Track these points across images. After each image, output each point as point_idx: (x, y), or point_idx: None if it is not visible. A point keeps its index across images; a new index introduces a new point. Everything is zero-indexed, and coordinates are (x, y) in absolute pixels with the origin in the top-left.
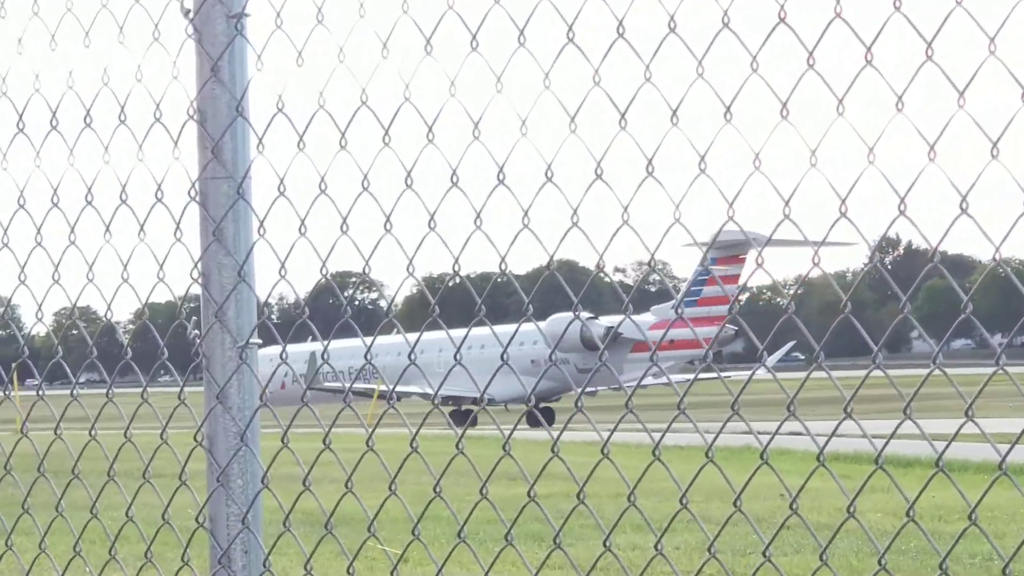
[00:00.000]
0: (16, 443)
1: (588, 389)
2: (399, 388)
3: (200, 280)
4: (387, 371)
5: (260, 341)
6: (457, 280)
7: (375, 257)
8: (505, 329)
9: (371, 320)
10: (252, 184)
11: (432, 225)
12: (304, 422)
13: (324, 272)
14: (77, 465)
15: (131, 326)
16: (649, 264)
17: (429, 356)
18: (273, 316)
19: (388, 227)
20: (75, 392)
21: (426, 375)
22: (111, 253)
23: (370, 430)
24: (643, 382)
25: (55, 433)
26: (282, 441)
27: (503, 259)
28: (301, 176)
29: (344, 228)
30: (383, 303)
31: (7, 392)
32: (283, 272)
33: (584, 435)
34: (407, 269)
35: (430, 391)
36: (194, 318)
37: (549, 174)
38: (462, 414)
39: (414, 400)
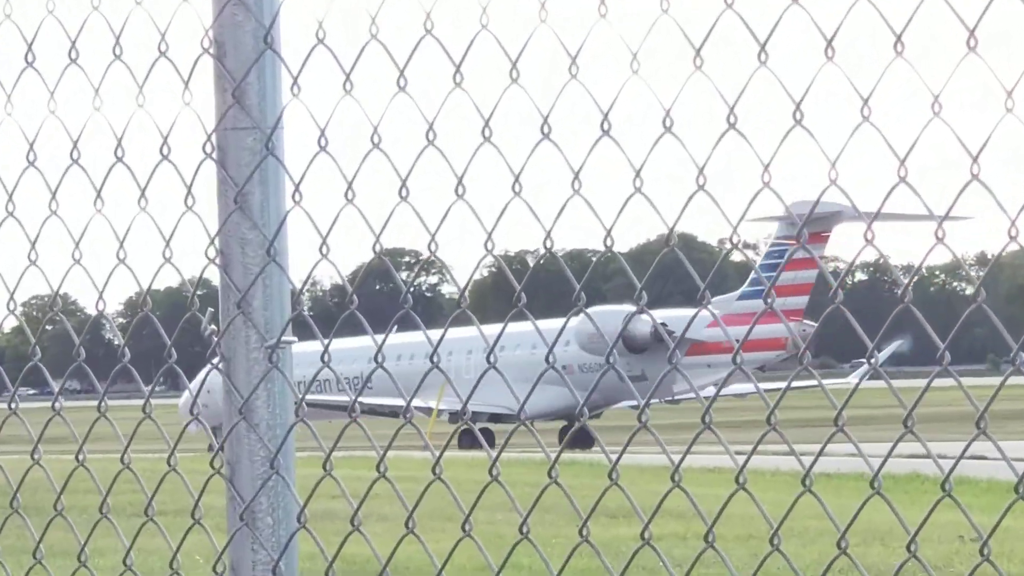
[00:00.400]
0: None
1: (625, 403)
2: (395, 402)
3: (218, 260)
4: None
5: (295, 339)
6: (544, 259)
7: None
8: (531, 327)
9: (427, 311)
10: (284, 136)
11: (517, 188)
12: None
13: (378, 249)
14: (60, 499)
15: (122, 320)
16: (730, 241)
17: (448, 361)
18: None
19: (460, 191)
20: (58, 405)
21: (452, 385)
22: (103, 226)
23: (437, 454)
24: (695, 392)
25: (32, 458)
26: (324, 467)
27: (608, 232)
28: (348, 126)
29: (403, 193)
30: (445, 289)
31: None
32: (325, 250)
33: (640, 457)
34: (485, 245)
35: (439, 404)
36: (209, 310)
37: (669, 123)
38: (471, 435)
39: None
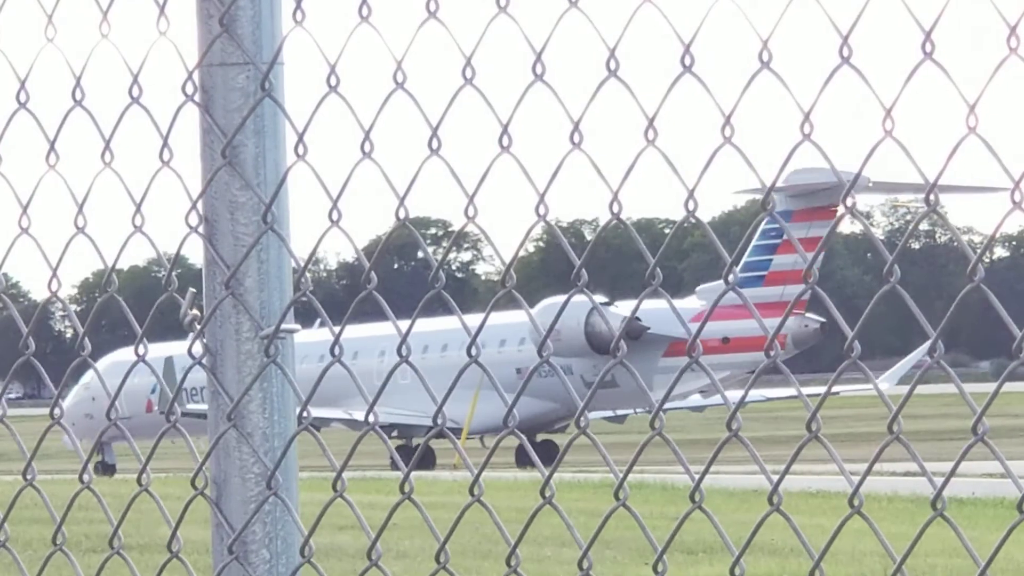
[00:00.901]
0: None
1: (596, 413)
2: (316, 413)
3: (202, 229)
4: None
5: (297, 327)
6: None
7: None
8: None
9: (457, 295)
10: (285, 74)
11: (576, 139)
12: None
13: (402, 215)
14: (2, 528)
15: (76, 307)
16: (687, 212)
17: (366, 362)
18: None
19: (506, 142)
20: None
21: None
22: (57, 186)
23: (475, 472)
24: (683, 401)
25: None
26: (334, 488)
27: (690, 194)
28: (364, 62)
29: (434, 144)
30: (480, 268)
31: None
32: (336, 215)
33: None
34: (537, 210)
35: (361, 416)
36: (191, 290)
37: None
38: (412, 451)
39: (334, 428)
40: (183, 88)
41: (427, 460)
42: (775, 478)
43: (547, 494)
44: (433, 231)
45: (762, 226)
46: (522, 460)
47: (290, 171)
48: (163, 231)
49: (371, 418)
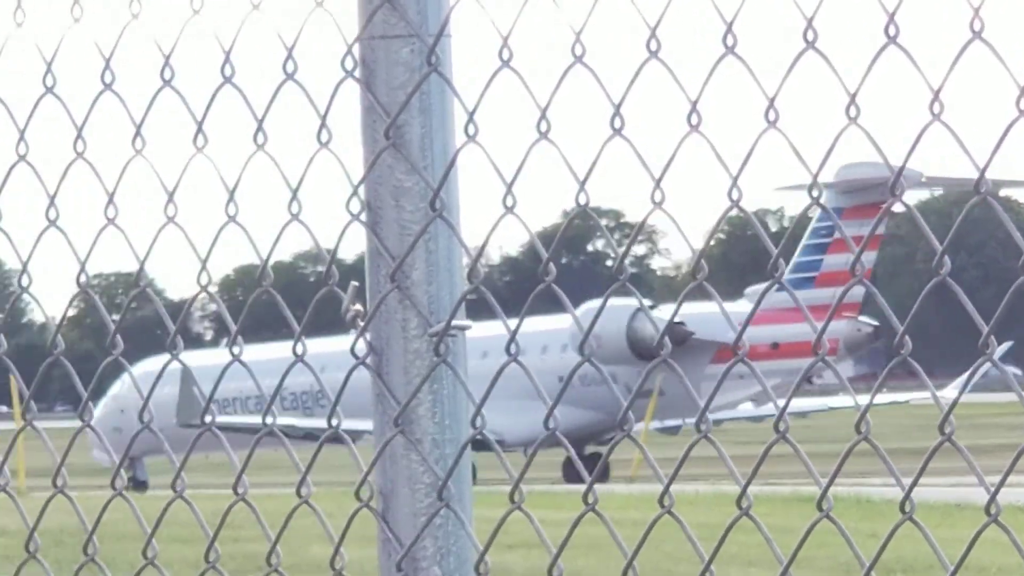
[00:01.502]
0: None
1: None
2: (352, 425)
3: (364, 217)
4: (317, 397)
5: (469, 324)
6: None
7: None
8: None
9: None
10: (452, 48)
11: (772, 117)
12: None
13: (582, 202)
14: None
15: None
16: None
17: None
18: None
19: (694, 120)
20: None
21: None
22: (205, 171)
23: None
24: (734, 411)
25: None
26: (511, 499)
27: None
28: (540, 34)
29: (616, 124)
30: (656, 263)
31: None
32: (510, 201)
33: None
34: (730, 195)
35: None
36: (353, 284)
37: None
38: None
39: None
40: (342, 63)
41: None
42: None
43: (590, 500)
44: (605, 222)
45: (812, 225)
46: (568, 475)
47: (459, 153)
48: (321, 220)
49: (550, 423)
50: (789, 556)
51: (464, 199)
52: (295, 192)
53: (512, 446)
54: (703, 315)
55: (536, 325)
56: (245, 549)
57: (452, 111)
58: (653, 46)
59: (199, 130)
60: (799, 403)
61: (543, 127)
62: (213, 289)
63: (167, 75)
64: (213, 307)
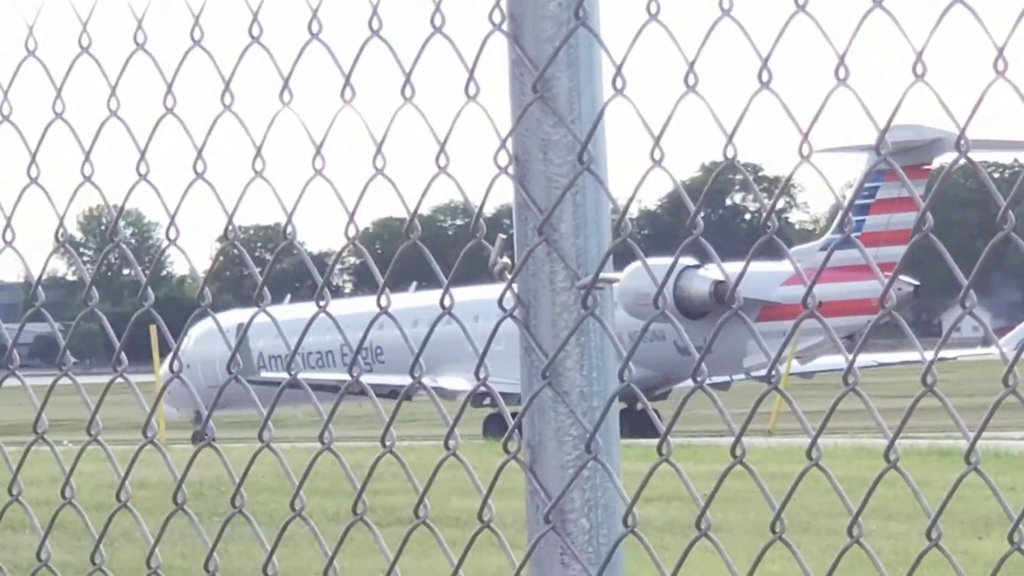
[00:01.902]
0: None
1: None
2: (397, 381)
3: (511, 169)
4: (388, 356)
5: (617, 277)
6: None
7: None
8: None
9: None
10: (600, 1)
11: (919, 69)
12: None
13: (730, 155)
14: (300, 496)
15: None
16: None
17: (450, 328)
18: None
19: (842, 74)
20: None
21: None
22: (353, 124)
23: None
24: (778, 365)
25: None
26: (659, 451)
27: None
28: None
29: (764, 78)
30: (794, 216)
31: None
32: (658, 154)
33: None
34: (878, 149)
35: (457, 384)
36: (501, 237)
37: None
38: (501, 420)
39: (419, 399)
40: (490, 16)
41: (495, 424)
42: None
43: (664, 451)
44: (739, 177)
45: (854, 186)
46: (623, 428)
47: (607, 106)
48: (467, 174)
49: (625, 375)
50: (936, 509)
51: (611, 151)
52: (443, 145)
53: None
54: (747, 274)
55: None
56: (384, 502)
57: (600, 64)
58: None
59: (346, 83)
60: (837, 360)
61: (691, 80)
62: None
63: (315, 28)
64: (351, 260)
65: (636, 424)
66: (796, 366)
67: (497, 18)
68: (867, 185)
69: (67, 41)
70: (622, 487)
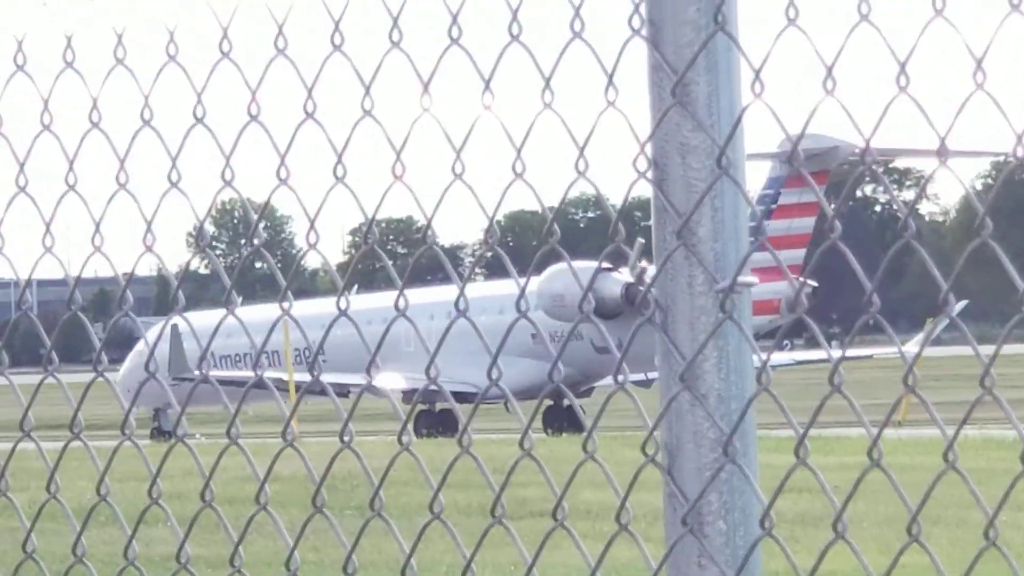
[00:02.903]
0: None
1: (610, 378)
2: (337, 379)
3: (651, 174)
4: (330, 356)
5: (755, 280)
6: None
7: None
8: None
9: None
10: (738, 6)
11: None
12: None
13: (868, 160)
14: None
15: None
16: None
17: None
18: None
19: (980, 79)
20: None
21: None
22: (490, 124)
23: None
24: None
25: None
26: (796, 454)
27: None
28: None
29: (902, 82)
30: (924, 207)
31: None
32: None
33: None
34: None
35: (403, 382)
36: (639, 240)
37: None
38: (434, 416)
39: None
40: (629, 22)
41: (448, 423)
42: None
43: (589, 448)
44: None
45: (758, 193)
46: (550, 423)
47: (746, 112)
48: (606, 176)
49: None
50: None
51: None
52: (582, 149)
53: (492, 399)
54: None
55: (508, 287)
56: (516, 494)
57: (738, 69)
58: (938, 5)
59: (486, 87)
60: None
61: (828, 85)
62: (480, 236)
63: (454, 33)
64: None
65: (560, 419)
66: None
67: (636, 23)
68: (768, 192)
69: (210, 45)
70: (759, 490)
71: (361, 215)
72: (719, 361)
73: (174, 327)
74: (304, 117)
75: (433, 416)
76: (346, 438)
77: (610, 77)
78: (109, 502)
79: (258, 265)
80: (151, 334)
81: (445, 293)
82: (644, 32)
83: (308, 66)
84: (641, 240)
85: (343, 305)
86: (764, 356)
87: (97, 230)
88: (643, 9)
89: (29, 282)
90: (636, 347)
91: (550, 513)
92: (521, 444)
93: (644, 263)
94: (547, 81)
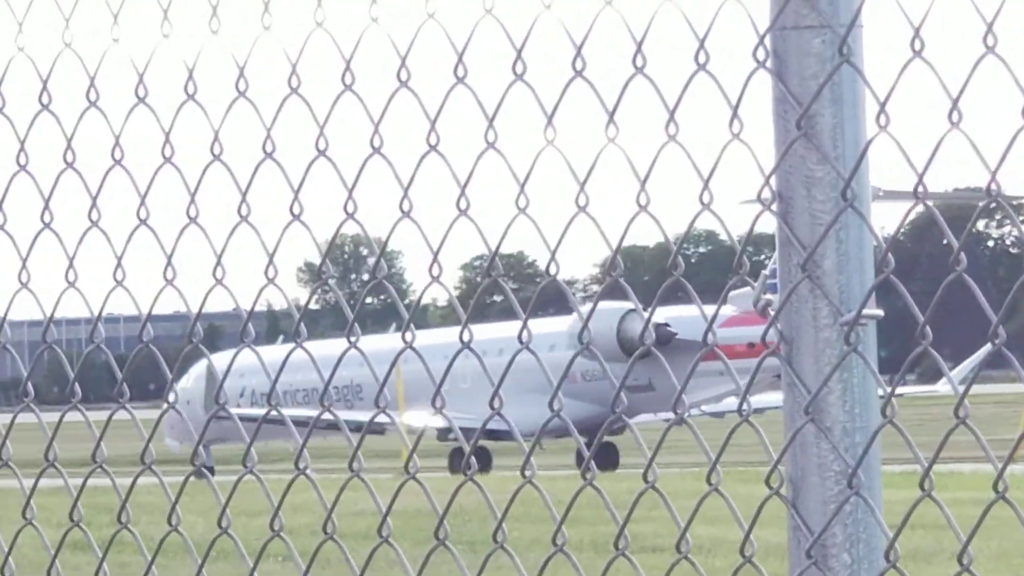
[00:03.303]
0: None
1: (644, 415)
2: (349, 418)
3: (775, 206)
4: (357, 390)
5: (880, 313)
6: None
7: None
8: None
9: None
10: (863, 37)
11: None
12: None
13: (994, 189)
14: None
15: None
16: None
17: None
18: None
19: None
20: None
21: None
22: (614, 158)
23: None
24: (719, 405)
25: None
26: (921, 487)
27: None
28: (950, 20)
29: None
30: None
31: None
32: (921, 190)
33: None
34: None
35: (434, 423)
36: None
37: None
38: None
39: (390, 434)
40: (754, 54)
41: (481, 460)
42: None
43: (588, 476)
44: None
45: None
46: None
47: (871, 144)
48: (728, 209)
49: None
50: None
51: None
52: (706, 182)
53: (527, 436)
54: (686, 318)
55: (545, 326)
56: (633, 529)
57: (863, 101)
58: None
59: (610, 120)
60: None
61: (954, 117)
62: (596, 271)
63: (578, 65)
64: (595, 287)
65: (598, 457)
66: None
67: (761, 55)
68: None
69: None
70: (884, 522)
71: (472, 249)
72: (843, 393)
73: (209, 362)
74: (427, 149)
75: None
76: (468, 471)
77: (735, 109)
78: (231, 534)
79: (368, 300)
80: (195, 372)
81: (485, 331)
82: (768, 64)
83: (432, 97)
84: (766, 272)
85: (465, 338)
86: (888, 389)
87: (219, 263)
88: (767, 41)
89: (149, 315)
90: (666, 384)
91: (665, 548)
92: (645, 477)
93: (768, 295)
94: (671, 113)
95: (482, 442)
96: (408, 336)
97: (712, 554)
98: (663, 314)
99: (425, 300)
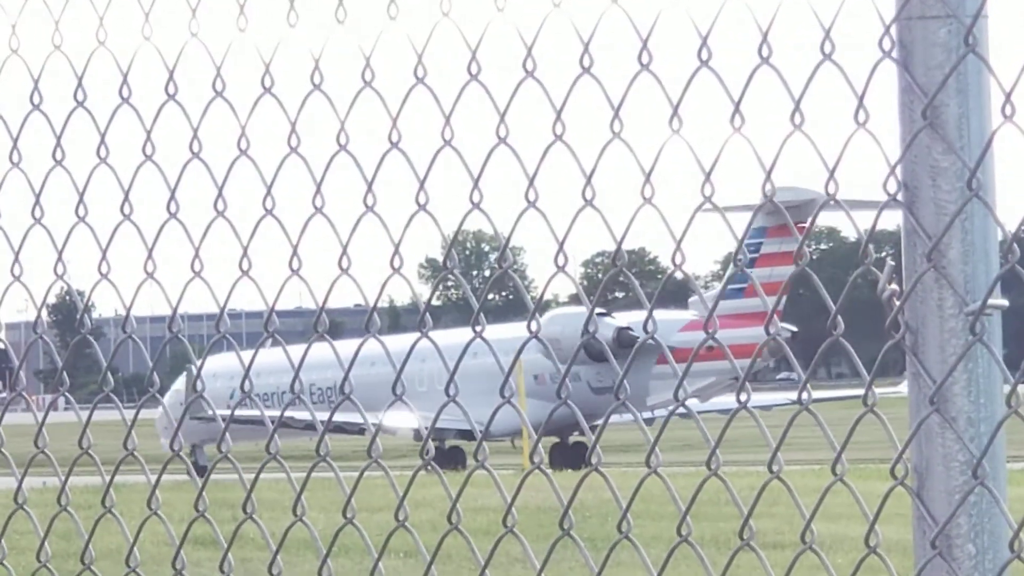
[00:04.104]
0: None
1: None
2: (346, 419)
3: (901, 196)
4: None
5: (1005, 303)
6: None
7: None
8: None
9: None
10: (989, 28)
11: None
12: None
13: None
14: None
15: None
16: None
17: (421, 368)
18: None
19: None
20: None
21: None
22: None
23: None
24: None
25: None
26: None
27: None
28: None
29: None
30: None
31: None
32: None
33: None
34: None
35: (409, 423)
36: (889, 263)
37: None
38: (446, 454)
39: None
40: (880, 44)
41: (457, 459)
42: None
43: (594, 460)
44: None
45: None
46: (555, 460)
47: (996, 134)
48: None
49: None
50: None
51: (1000, 178)
52: (832, 172)
53: (496, 436)
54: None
55: (498, 331)
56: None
57: (989, 91)
58: None
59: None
60: (763, 397)
61: None
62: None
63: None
64: (716, 283)
65: (568, 456)
66: (696, 404)
67: (887, 45)
68: (752, 242)
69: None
70: (1009, 513)
71: (595, 244)
72: (968, 384)
73: (188, 367)
74: (552, 139)
75: (443, 453)
76: (594, 460)
77: (860, 99)
78: (356, 524)
79: (489, 296)
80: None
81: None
82: (894, 54)
83: (559, 89)
84: (891, 262)
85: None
86: (1014, 379)
87: (344, 253)
88: (893, 31)
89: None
90: (634, 386)
91: (789, 543)
92: (770, 467)
93: (894, 285)
94: (797, 103)
95: (457, 442)
96: (533, 326)
97: (833, 551)
98: (626, 319)
99: (547, 296)
